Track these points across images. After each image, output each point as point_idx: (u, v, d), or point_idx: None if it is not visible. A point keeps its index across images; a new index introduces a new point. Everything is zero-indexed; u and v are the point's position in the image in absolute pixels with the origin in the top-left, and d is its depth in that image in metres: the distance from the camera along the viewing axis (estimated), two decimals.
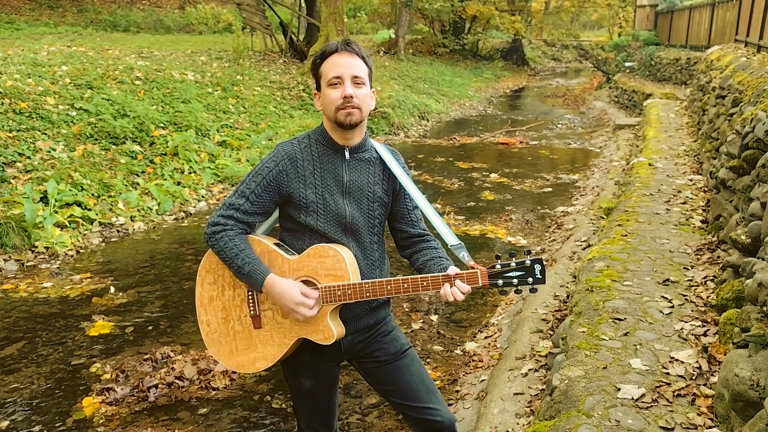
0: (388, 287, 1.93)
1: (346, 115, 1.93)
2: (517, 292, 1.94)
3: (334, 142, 2.02)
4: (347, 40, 2.00)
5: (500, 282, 1.91)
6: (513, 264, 1.91)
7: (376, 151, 2.09)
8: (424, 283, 1.92)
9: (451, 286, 1.90)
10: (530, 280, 1.90)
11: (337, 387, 2.25)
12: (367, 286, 1.93)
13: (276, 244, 2.06)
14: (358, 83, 1.95)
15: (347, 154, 2.02)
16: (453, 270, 1.93)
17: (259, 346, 2.06)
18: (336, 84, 1.94)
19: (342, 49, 1.96)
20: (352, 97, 1.92)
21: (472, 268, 1.93)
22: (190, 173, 8.07)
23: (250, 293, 2.04)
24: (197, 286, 2.11)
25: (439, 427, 2.09)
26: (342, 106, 1.93)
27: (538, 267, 1.89)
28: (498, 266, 1.92)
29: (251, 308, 2.04)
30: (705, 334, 3.11)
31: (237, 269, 1.97)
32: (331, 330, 1.97)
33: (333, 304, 1.97)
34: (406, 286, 1.93)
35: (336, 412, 2.26)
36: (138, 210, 6.90)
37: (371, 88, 2.03)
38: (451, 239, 1.99)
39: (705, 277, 3.83)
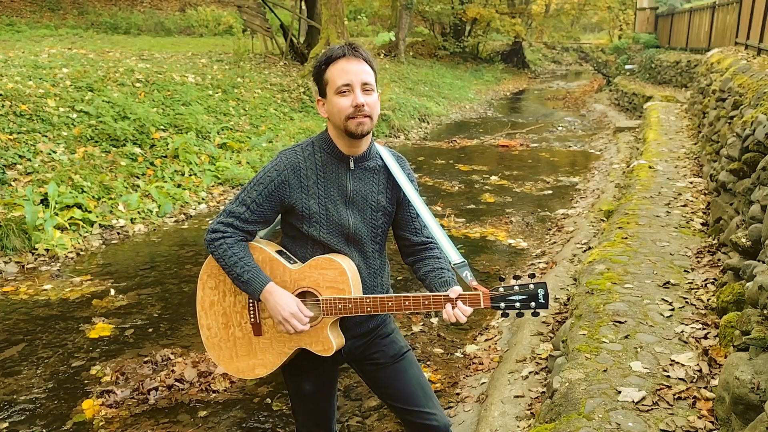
0: (389, 303, 1.92)
1: (357, 125, 1.87)
2: (519, 315, 1.91)
3: (339, 151, 1.95)
4: (353, 44, 1.91)
5: (502, 305, 1.89)
6: (516, 288, 1.88)
7: (381, 159, 2.04)
8: (426, 302, 1.91)
9: (453, 308, 1.88)
10: (533, 304, 1.88)
11: (336, 390, 2.24)
12: (368, 301, 1.92)
13: (278, 251, 2.03)
14: (367, 90, 1.88)
15: (352, 164, 1.97)
16: (455, 291, 1.90)
17: (258, 353, 2.05)
18: (345, 92, 1.86)
19: (349, 54, 1.88)
20: (363, 105, 1.86)
21: (475, 289, 1.90)
22: (190, 175, 8.08)
23: (251, 300, 2.02)
24: (198, 290, 2.10)
25: (434, 431, 2.09)
26: (353, 115, 1.86)
27: (541, 291, 1.87)
28: (501, 289, 1.89)
29: (252, 315, 2.03)
30: (705, 337, 3.11)
31: (236, 277, 1.95)
32: (331, 342, 1.97)
33: (333, 317, 1.96)
34: (407, 303, 1.91)
35: (335, 415, 2.25)
36: (138, 212, 6.90)
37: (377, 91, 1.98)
38: (455, 257, 1.97)
39: (705, 280, 3.82)
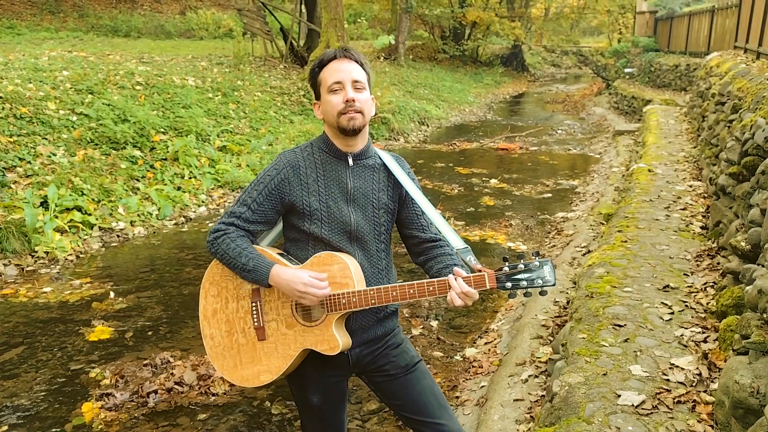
0: (394, 293, 1.89)
1: (348, 120, 1.91)
2: (527, 295, 1.85)
3: (337, 149, 1.99)
4: (345, 47, 1.99)
5: (508, 284, 1.84)
6: (521, 266, 1.84)
7: (380, 158, 2.06)
8: (431, 288, 1.88)
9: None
10: (539, 281, 1.82)
11: (346, 404, 2.19)
12: (372, 292, 1.90)
13: (280, 254, 2.03)
14: (358, 87, 1.95)
15: (350, 161, 2.00)
16: (460, 273, 1.88)
17: (263, 358, 2.02)
18: (337, 90, 1.93)
19: (341, 55, 1.96)
20: (354, 100, 1.91)
21: (479, 270, 1.88)
22: (190, 178, 8.08)
23: (254, 304, 2.01)
24: (201, 299, 2.09)
25: None
26: (344, 110, 1.91)
27: (547, 268, 1.82)
28: (506, 268, 1.85)
29: (255, 319, 2.01)
30: (705, 341, 3.11)
31: (242, 267, 1.94)
32: (337, 339, 1.93)
33: (338, 313, 1.94)
34: (411, 291, 1.89)
35: (345, 430, 2.20)
36: (138, 215, 6.90)
37: (371, 94, 2.01)
38: (458, 243, 1.97)
39: (705, 284, 3.82)
